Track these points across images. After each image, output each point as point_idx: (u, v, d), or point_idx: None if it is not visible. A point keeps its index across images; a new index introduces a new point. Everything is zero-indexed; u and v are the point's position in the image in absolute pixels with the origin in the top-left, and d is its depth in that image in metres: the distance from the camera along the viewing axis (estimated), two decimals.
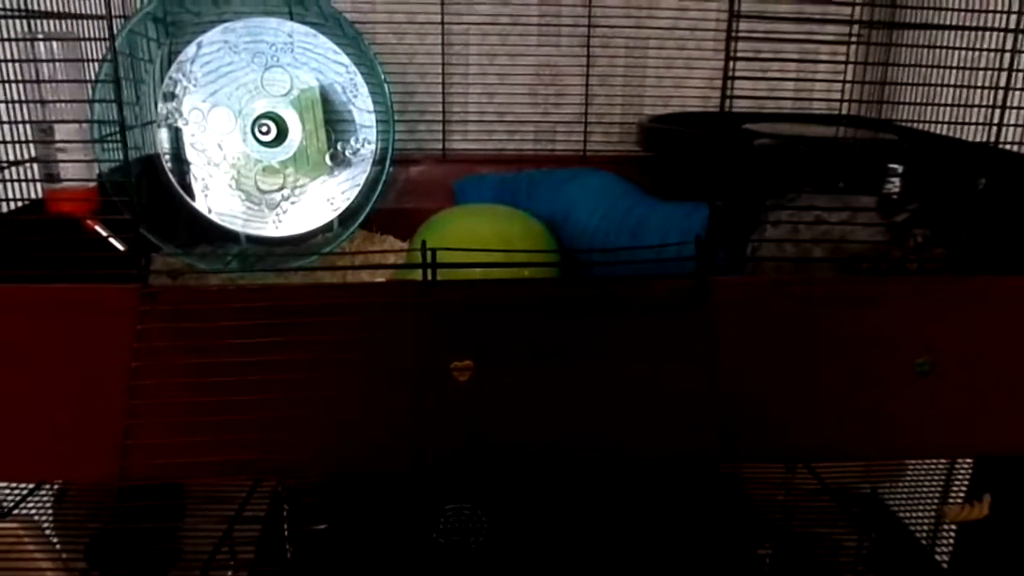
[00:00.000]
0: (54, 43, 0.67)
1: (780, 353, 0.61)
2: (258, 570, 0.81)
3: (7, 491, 0.93)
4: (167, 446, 0.57)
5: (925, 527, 1.03)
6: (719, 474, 0.86)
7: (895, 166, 0.69)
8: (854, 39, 0.99)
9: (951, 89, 0.66)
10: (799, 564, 0.88)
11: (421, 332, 0.58)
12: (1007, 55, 0.61)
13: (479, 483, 0.78)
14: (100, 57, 0.75)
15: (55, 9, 0.78)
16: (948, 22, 0.67)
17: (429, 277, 0.57)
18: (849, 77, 1.05)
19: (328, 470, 0.76)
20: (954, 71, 0.67)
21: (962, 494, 1.00)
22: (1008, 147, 0.63)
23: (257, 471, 0.66)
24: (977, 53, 0.66)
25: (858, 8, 1.02)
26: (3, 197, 0.64)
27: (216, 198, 0.88)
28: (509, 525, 0.78)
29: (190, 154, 0.87)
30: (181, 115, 0.86)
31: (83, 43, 0.71)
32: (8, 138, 0.62)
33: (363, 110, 0.90)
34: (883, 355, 0.62)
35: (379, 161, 0.90)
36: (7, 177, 0.63)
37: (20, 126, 0.63)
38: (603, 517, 0.80)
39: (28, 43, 0.65)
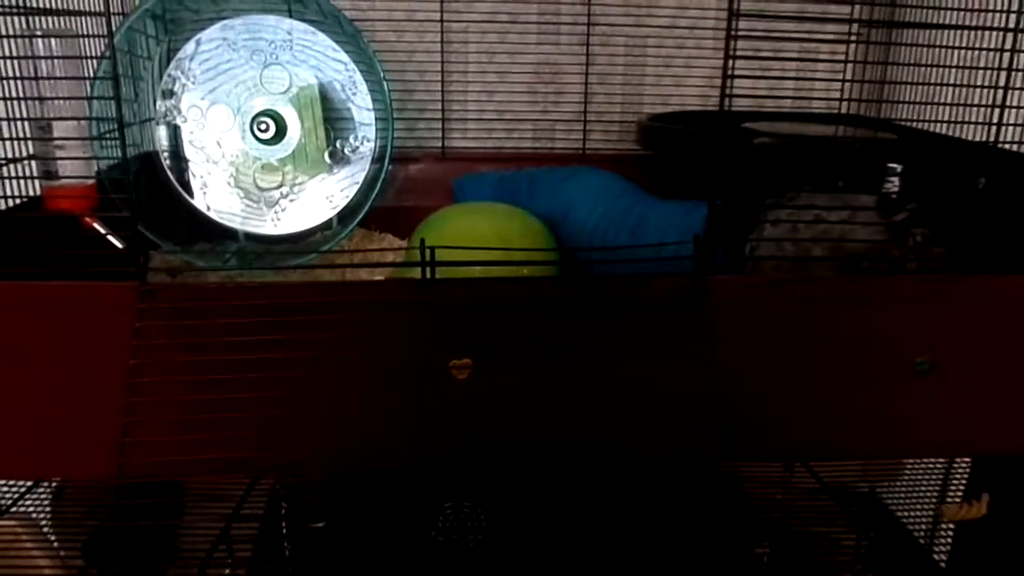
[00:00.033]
0: (53, 40, 0.66)
1: (779, 352, 0.61)
2: (256, 568, 0.80)
3: (5, 489, 0.92)
4: (165, 444, 0.57)
5: (923, 526, 1.03)
6: (717, 473, 0.86)
7: (894, 165, 0.69)
8: (854, 38, 0.99)
9: (950, 88, 0.66)
10: (797, 563, 0.88)
11: (420, 330, 0.58)
12: (1006, 54, 0.61)
13: (478, 481, 0.78)
14: (99, 54, 0.75)
15: (54, 6, 0.78)
16: (948, 21, 0.67)
17: (428, 275, 0.57)
18: (849, 76, 1.05)
19: (326, 468, 0.76)
20: (954, 70, 0.67)
21: (960, 493, 1.00)
22: (1007, 146, 0.63)
23: (255, 469, 0.65)
24: (976, 52, 0.66)
25: (857, 7, 1.02)
26: (1, 194, 0.64)
27: (215, 196, 0.88)
28: (508, 523, 0.78)
29: (189, 152, 0.87)
30: (180, 112, 0.86)
31: (82, 40, 0.70)
32: (6, 135, 0.62)
33: (362, 108, 0.90)
34: (882, 354, 0.62)
35: (378, 159, 0.90)
36: (5, 174, 0.63)
37: (18, 123, 0.63)
38: (602, 516, 0.80)
39: (27, 40, 0.65)
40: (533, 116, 1.12)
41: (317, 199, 0.89)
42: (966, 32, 0.67)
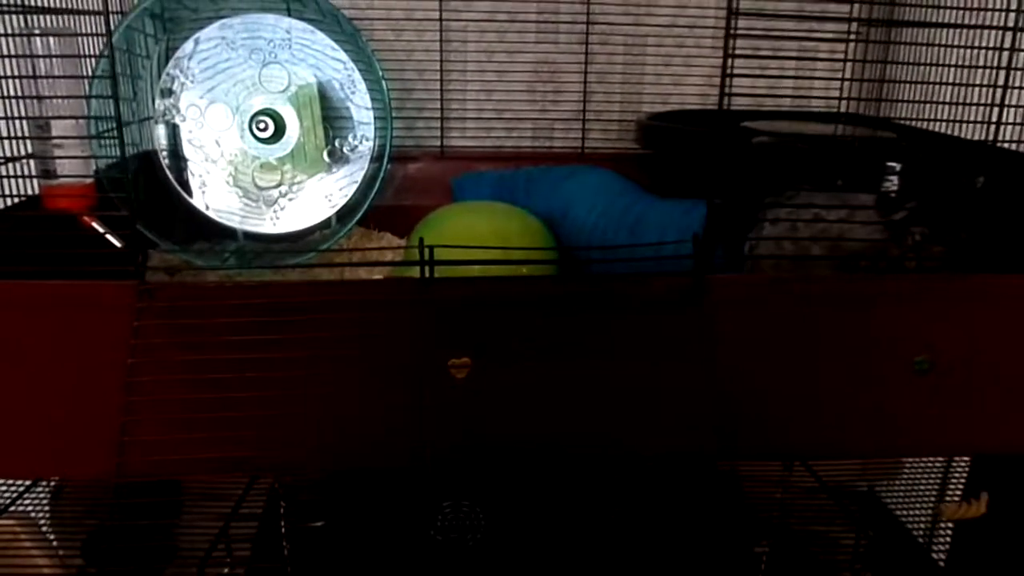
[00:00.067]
0: (51, 38, 0.66)
1: (778, 351, 0.61)
2: (255, 567, 0.80)
3: (3, 488, 0.92)
4: (164, 443, 0.57)
5: (922, 525, 1.03)
6: (716, 472, 0.86)
7: (893, 164, 0.69)
8: (853, 37, 0.99)
9: (950, 87, 0.66)
10: (796, 562, 0.88)
11: (418, 329, 0.57)
12: (1005, 53, 0.61)
13: (476, 480, 0.78)
14: (97, 53, 0.75)
15: (52, 4, 0.77)
16: (947, 20, 0.67)
17: (426, 274, 0.57)
18: (848, 75, 1.05)
19: (325, 467, 0.76)
20: (953, 69, 0.67)
21: (959, 492, 1.00)
22: (1006, 145, 0.63)
23: (254, 468, 0.65)
24: (976, 51, 0.66)
25: (856, 6, 1.01)
26: (0, 193, 0.64)
27: (214, 195, 0.88)
28: (506, 522, 0.78)
29: (187, 150, 0.87)
30: (179, 111, 0.86)
31: (80, 38, 0.70)
32: (5, 134, 0.62)
33: (361, 107, 0.90)
34: (881, 353, 0.62)
35: (377, 158, 0.90)
36: (4, 173, 0.63)
37: (17, 122, 0.63)
38: (601, 514, 0.80)
39: (25, 38, 0.65)
40: (532, 115, 1.12)
41: (316, 198, 0.89)
42: (965, 31, 0.67)
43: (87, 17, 0.75)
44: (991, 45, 0.63)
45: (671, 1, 1.08)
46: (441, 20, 1.06)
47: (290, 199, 0.89)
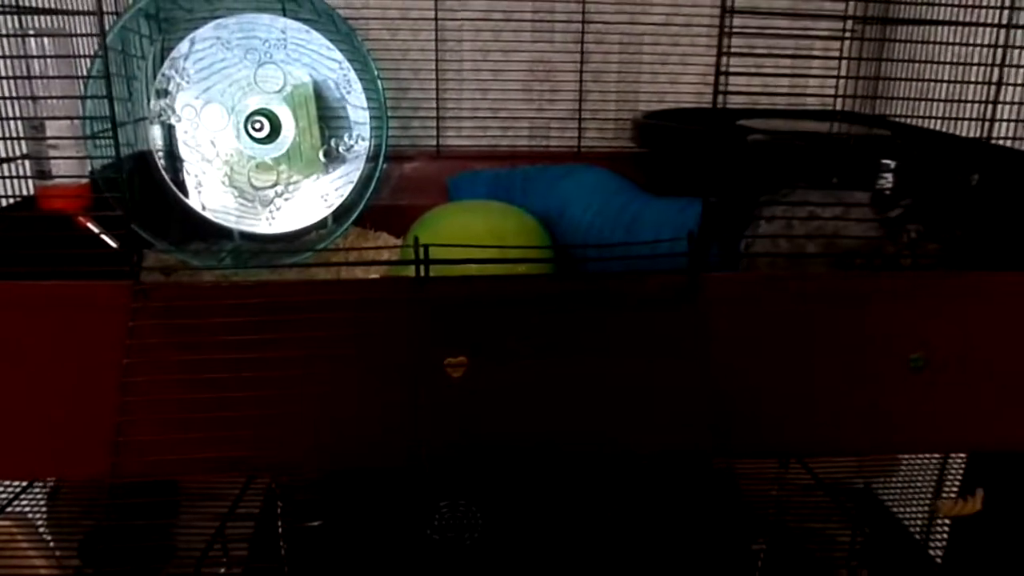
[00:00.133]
0: (45, 39, 0.66)
1: (773, 349, 0.61)
2: (252, 567, 0.80)
3: (0, 489, 0.92)
4: (160, 443, 0.57)
5: (919, 522, 1.03)
6: (712, 469, 0.86)
7: (888, 162, 0.69)
8: (848, 34, 0.99)
9: (944, 84, 0.66)
10: (793, 559, 0.88)
11: (415, 328, 0.57)
12: (999, 50, 0.61)
13: (473, 479, 0.78)
14: (92, 53, 0.75)
15: (46, 5, 0.77)
16: (941, 17, 0.67)
17: (422, 273, 0.57)
18: (843, 73, 1.05)
19: (322, 467, 0.76)
20: (947, 67, 0.67)
21: (956, 489, 1.00)
22: (1001, 142, 0.64)
23: (250, 468, 0.65)
24: (970, 49, 0.66)
25: (852, 3, 1.02)
26: None
27: (209, 195, 0.87)
28: (504, 521, 0.78)
29: (183, 151, 0.87)
30: (174, 112, 0.86)
31: (75, 39, 0.70)
32: (0, 135, 0.62)
33: (357, 106, 0.90)
34: (877, 351, 0.62)
35: (373, 157, 0.90)
36: None
37: (12, 122, 0.63)
38: (597, 513, 0.80)
39: (19, 39, 0.65)
40: (528, 114, 1.12)
41: (312, 198, 0.89)
42: (959, 28, 0.68)
43: (81, 17, 0.75)
44: (985, 43, 0.63)
45: None
46: (437, 19, 1.06)
47: (286, 199, 0.89)
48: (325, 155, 0.89)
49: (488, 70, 1.10)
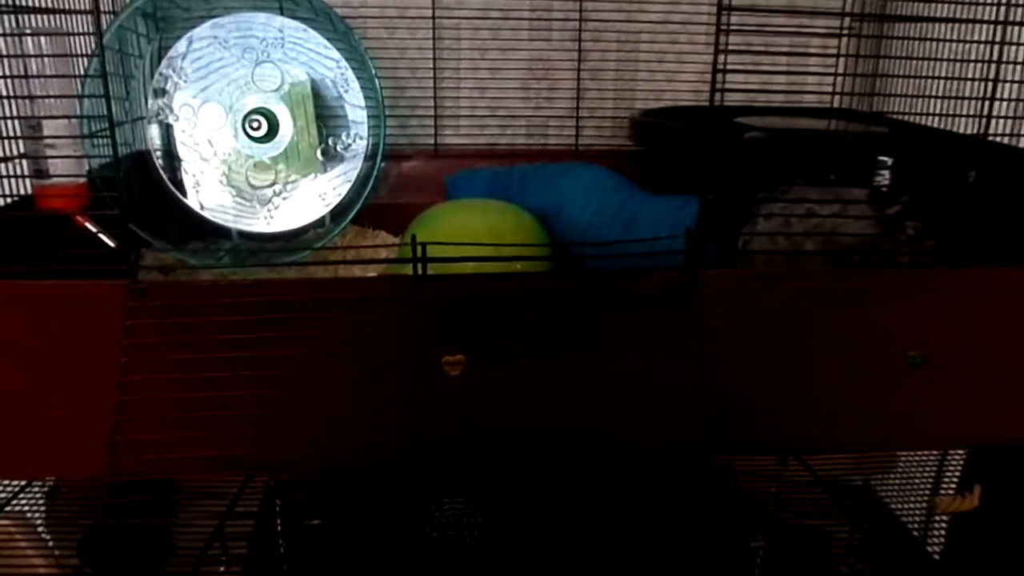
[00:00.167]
0: (42, 38, 0.66)
1: (771, 346, 0.61)
2: (251, 565, 0.80)
3: None
4: (158, 442, 0.57)
5: (917, 518, 1.03)
6: (711, 467, 0.86)
7: (886, 159, 0.69)
8: (845, 32, 0.99)
9: (941, 81, 0.66)
10: (791, 556, 0.88)
11: (412, 326, 0.58)
12: (996, 47, 0.61)
13: (472, 477, 0.78)
14: (89, 52, 0.75)
15: (43, 4, 0.77)
16: (938, 15, 0.67)
17: (420, 271, 0.57)
18: (840, 70, 1.05)
19: (320, 465, 0.76)
20: (944, 63, 0.67)
21: (954, 485, 1.00)
22: (998, 139, 0.64)
23: (249, 466, 0.65)
24: (967, 45, 0.66)
25: (849, 0, 1.02)
26: None
27: (207, 194, 0.87)
28: (502, 519, 0.78)
29: (181, 150, 0.87)
30: (172, 111, 0.86)
31: (72, 38, 0.70)
32: None
33: (354, 105, 0.90)
34: (875, 348, 0.62)
35: (371, 156, 0.90)
36: None
37: (9, 122, 0.63)
38: (596, 510, 0.80)
39: (16, 38, 0.65)
40: (526, 112, 1.12)
41: (310, 197, 0.89)
42: (957, 25, 0.68)
43: (79, 16, 0.75)
44: (982, 39, 0.63)
45: None
46: (434, 18, 1.06)
47: (284, 198, 0.89)
48: (323, 154, 0.89)
49: (486, 69, 1.10)
